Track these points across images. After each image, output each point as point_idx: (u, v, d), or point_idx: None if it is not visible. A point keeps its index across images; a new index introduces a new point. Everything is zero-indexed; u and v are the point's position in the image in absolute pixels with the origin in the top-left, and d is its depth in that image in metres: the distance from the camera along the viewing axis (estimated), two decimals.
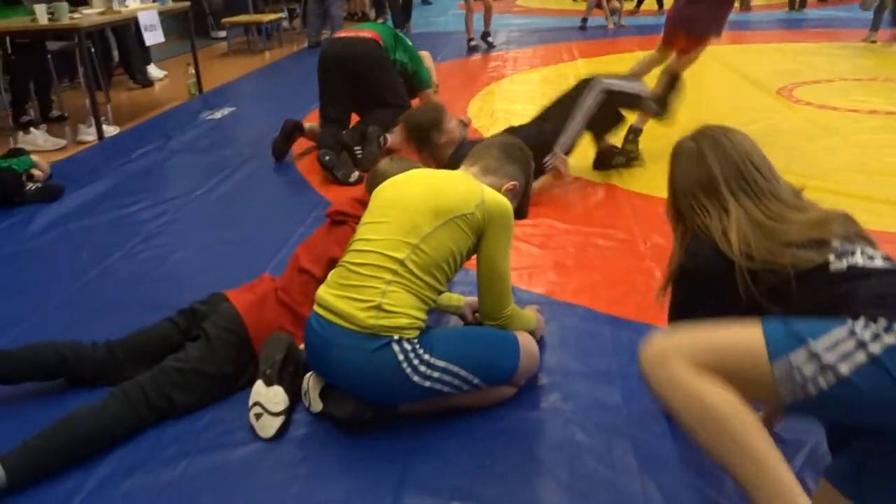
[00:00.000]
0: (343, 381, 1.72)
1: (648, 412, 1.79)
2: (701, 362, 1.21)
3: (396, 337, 1.66)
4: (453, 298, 2.18)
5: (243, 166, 3.87)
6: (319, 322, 1.72)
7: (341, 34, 3.89)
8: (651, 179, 3.38)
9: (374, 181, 2.15)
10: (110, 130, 4.60)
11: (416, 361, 1.67)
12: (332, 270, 1.78)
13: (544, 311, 2.22)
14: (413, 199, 1.76)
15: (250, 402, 1.80)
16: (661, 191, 3.07)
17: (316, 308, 1.75)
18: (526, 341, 1.85)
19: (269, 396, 1.79)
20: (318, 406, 1.80)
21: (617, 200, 3.22)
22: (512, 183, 1.92)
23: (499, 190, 1.89)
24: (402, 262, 1.68)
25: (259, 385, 1.82)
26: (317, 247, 2.12)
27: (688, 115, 4.40)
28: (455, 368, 1.72)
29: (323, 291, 1.75)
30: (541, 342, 2.08)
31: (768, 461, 1.18)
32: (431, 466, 1.65)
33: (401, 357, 1.66)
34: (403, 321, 1.66)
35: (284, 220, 3.08)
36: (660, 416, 1.78)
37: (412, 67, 3.87)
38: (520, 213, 2.01)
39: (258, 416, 1.78)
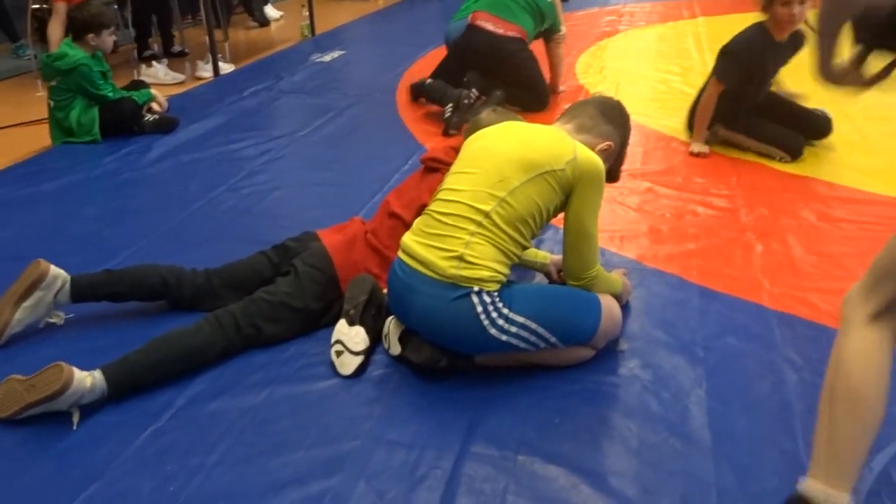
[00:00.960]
0: (422, 327, 1.75)
1: (730, 386, 1.74)
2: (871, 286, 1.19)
3: (476, 289, 1.66)
4: (539, 255, 2.16)
5: (347, 110, 3.93)
6: (403, 268, 1.74)
7: (482, 23, 3.67)
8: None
9: (473, 130, 2.14)
10: (226, 68, 4.75)
11: (494, 314, 1.68)
12: (418, 218, 1.80)
13: (632, 277, 2.18)
14: (503, 151, 1.74)
15: (332, 340, 1.86)
16: (769, 160, 2.97)
17: (400, 254, 1.77)
18: (609, 304, 1.82)
19: (350, 335, 1.84)
20: (396, 349, 1.84)
21: (721, 167, 3.08)
22: (606, 143, 1.87)
23: (592, 149, 1.84)
24: (487, 214, 1.68)
25: (342, 324, 1.87)
26: (408, 192, 2.14)
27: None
28: (533, 325, 1.71)
29: (408, 238, 1.77)
30: (625, 307, 2.05)
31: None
32: (501, 418, 1.66)
33: (479, 309, 1.67)
34: (484, 273, 1.66)
35: (382, 165, 3.12)
36: (741, 393, 1.72)
37: (549, 22, 3.84)
38: (612, 175, 1.96)
39: (339, 353, 1.84)
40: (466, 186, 1.73)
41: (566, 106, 2.02)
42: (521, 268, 2.16)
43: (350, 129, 3.66)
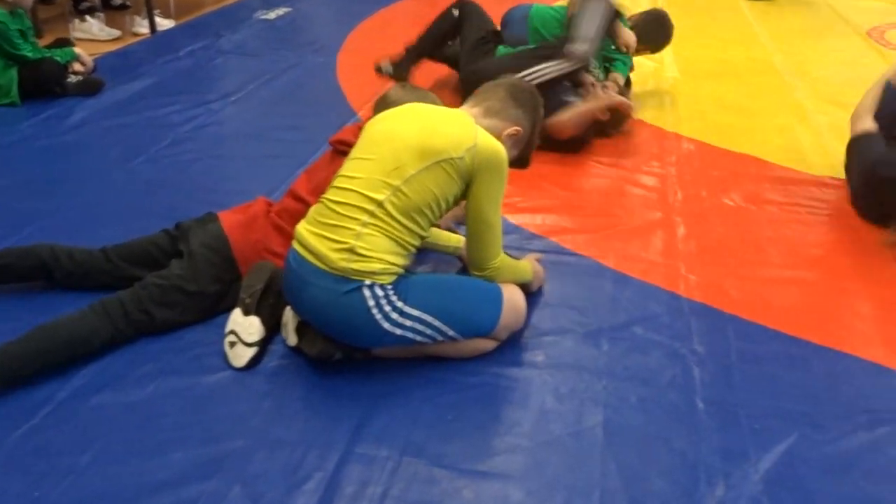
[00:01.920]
0: (314, 320, 1.70)
1: (631, 380, 1.72)
2: None
3: (368, 282, 1.61)
4: (452, 239, 2.10)
5: (285, 73, 3.80)
6: (296, 258, 1.68)
7: None
8: (709, 124, 3.18)
9: (380, 108, 2.06)
10: (164, 24, 4.56)
11: (387, 308, 1.63)
12: (313, 206, 1.72)
13: (547, 261, 2.14)
14: (402, 136, 1.67)
15: (226, 329, 1.80)
16: (719, 138, 2.90)
17: (294, 243, 1.70)
18: (512, 295, 1.78)
19: (244, 326, 1.78)
20: (293, 340, 1.78)
21: (664, 143, 3.03)
22: (514, 128, 1.80)
23: (500, 134, 1.78)
24: (380, 204, 1.61)
25: (237, 313, 1.81)
26: (317, 175, 2.06)
27: (761, 53, 4.12)
28: (429, 318, 1.67)
29: (301, 227, 1.70)
30: (537, 293, 2.01)
31: None
32: (392, 415, 1.62)
33: (371, 303, 1.61)
34: (376, 266, 1.60)
35: (312, 134, 3.01)
36: (640, 387, 1.70)
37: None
38: (521, 161, 1.91)
39: (232, 344, 1.78)
40: (361, 173, 1.66)
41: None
42: (433, 251, 2.09)
43: (284, 94, 3.54)
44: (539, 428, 1.60)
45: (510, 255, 1.93)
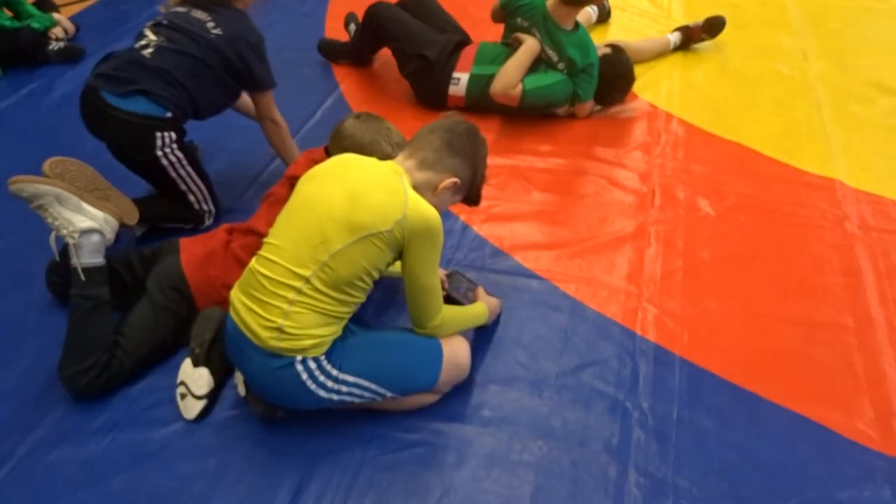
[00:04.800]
0: (253, 387, 1.74)
1: (566, 440, 1.74)
2: None
3: (300, 357, 1.63)
4: None
5: (272, 27, 3.63)
6: (232, 325, 1.70)
7: None
8: (704, 99, 3.02)
9: (335, 141, 2.02)
10: None
11: (321, 378, 1.66)
12: (244, 272, 1.73)
13: (507, 286, 2.14)
14: (327, 206, 1.64)
15: (177, 380, 1.86)
16: (712, 118, 2.75)
17: (230, 309, 1.72)
18: (453, 350, 1.79)
19: (193, 378, 1.84)
20: (242, 391, 1.83)
21: (654, 125, 2.91)
22: (451, 180, 1.75)
23: (436, 187, 1.73)
24: (307, 280, 1.60)
25: (187, 364, 1.86)
26: (276, 209, 2.04)
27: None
28: (366, 383, 1.70)
29: (235, 295, 1.71)
30: (491, 328, 2.03)
31: None
32: (329, 480, 1.68)
33: (304, 376, 1.64)
34: (306, 343, 1.62)
35: (294, 111, 2.91)
36: (573, 448, 1.72)
37: None
38: (471, 201, 1.87)
39: (183, 395, 1.84)
40: (288, 244, 1.64)
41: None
42: (393, 278, 2.08)
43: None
44: (469, 499, 1.64)
45: (464, 290, 1.96)
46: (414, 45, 2.93)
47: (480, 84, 2.88)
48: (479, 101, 2.88)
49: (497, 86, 2.78)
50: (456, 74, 2.90)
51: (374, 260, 1.63)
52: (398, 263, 1.71)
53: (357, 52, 3.25)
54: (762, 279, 2.18)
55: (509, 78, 2.78)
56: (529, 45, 2.81)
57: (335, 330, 1.67)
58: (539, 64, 2.84)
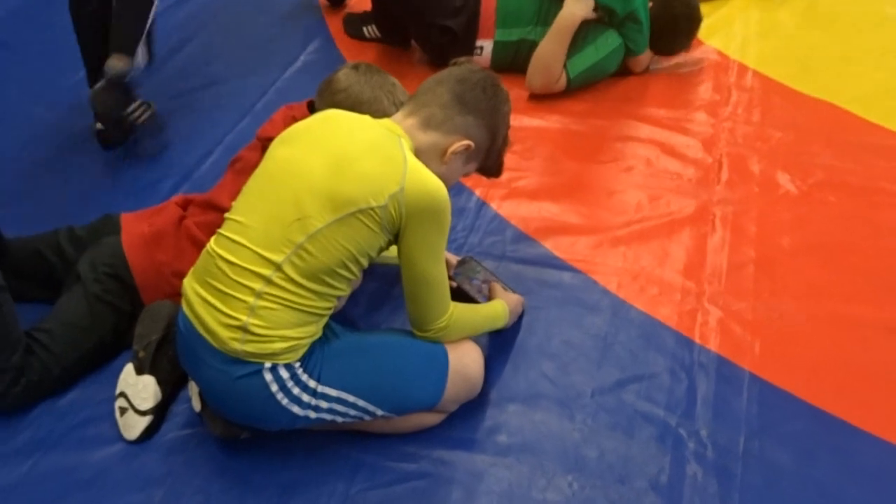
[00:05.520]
0: (211, 402, 1.73)
1: (606, 474, 1.72)
2: None
3: (268, 364, 1.62)
4: None
5: None
6: (185, 323, 1.69)
7: None
8: (785, 46, 2.97)
9: (326, 96, 2.01)
10: None
11: (295, 390, 1.65)
12: (201, 256, 1.72)
13: (533, 280, 2.14)
14: (306, 174, 1.62)
15: (116, 391, 1.86)
16: (796, 71, 2.72)
17: (183, 302, 1.71)
18: (461, 359, 1.77)
19: (136, 389, 1.84)
20: (197, 406, 1.82)
21: (722, 79, 2.90)
22: (463, 144, 1.72)
23: (444, 152, 1.72)
24: (278, 267, 1.59)
25: (128, 371, 1.86)
26: (245, 177, 2.03)
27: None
28: (351, 398, 1.68)
29: (189, 284, 1.70)
30: (511, 330, 2.02)
31: None
32: None
33: (274, 388, 1.63)
34: (277, 346, 1.61)
35: (270, 61, 2.94)
36: (615, 485, 1.70)
37: None
38: (489, 171, 1.87)
39: (123, 410, 1.84)
40: (255, 221, 1.62)
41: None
42: (384, 266, 2.07)
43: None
44: None
45: (478, 283, 1.95)
46: (433, 11, 2.86)
47: (508, 52, 2.87)
48: (510, 68, 2.86)
49: (534, 81, 2.78)
50: (478, 42, 2.88)
51: (364, 243, 1.62)
52: (394, 248, 1.69)
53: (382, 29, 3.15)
54: (855, 276, 2.15)
55: (548, 69, 2.76)
56: (565, 18, 2.75)
57: (314, 330, 1.66)
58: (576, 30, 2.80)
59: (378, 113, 1.86)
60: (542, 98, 2.80)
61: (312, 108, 2.05)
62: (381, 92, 1.97)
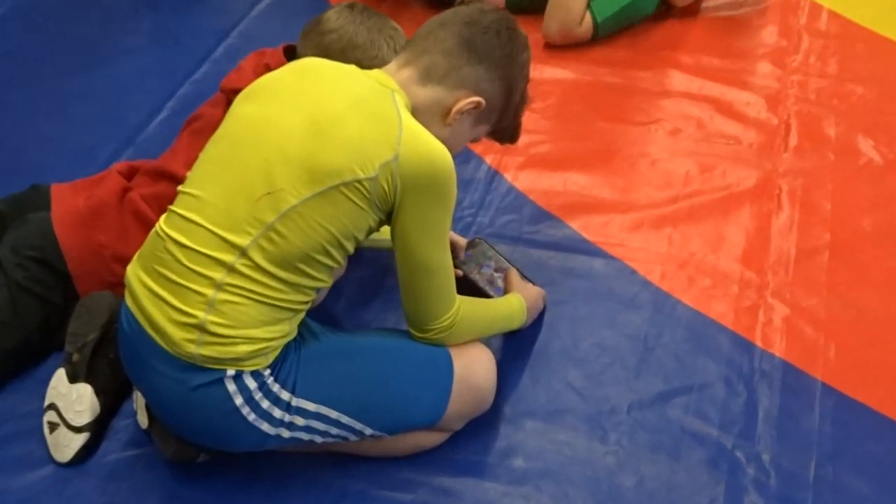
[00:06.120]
0: (162, 417, 1.71)
1: (655, 502, 1.70)
2: None
3: (232, 371, 1.60)
4: None
5: None
6: (129, 320, 1.67)
7: None
8: None
9: (311, 39, 2.02)
10: None
11: (264, 404, 1.63)
12: (149, 237, 1.70)
13: (556, 268, 2.14)
14: (279, 136, 1.60)
15: (46, 402, 1.84)
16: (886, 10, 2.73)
17: (126, 294, 1.70)
18: (470, 366, 1.76)
19: (70, 400, 1.83)
20: (144, 421, 1.81)
21: (790, 21, 2.89)
22: (472, 100, 1.70)
23: (448, 111, 1.70)
24: (243, 252, 1.57)
25: (60, 378, 1.85)
26: (203, 139, 2.02)
27: None
28: (334, 414, 1.67)
29: (133, 272, 1.67)
30: (531, 329, 2.02)
31: None
32: None
33: (238, 400, 1.62)
34: (242, 349, 1.59)
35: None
36: None
37: None
38: (504, 135, 1.87)
39: (53, 427, 1.83)
40: (216, 196, 1.60)
41: None
42: (373, 249, 2.06)
43: None
44: None
45: (490, 272, 1.95)
46: None
47: None
48: (529, 8, 2.88)
49: (551, 27, 2.79)
50: None
51: (349, 223, 1.60)
52: (386, 230, 1.67)
53: None
54: None
55: (568, 11, 2.76)
56: None
57: (287, 330, 1.64)
58: None
59: (374, 62, 1.85)
60: (568, 45, 2.78)
61: (291, 56, 2.02)
62: (379, 36, 1.97)
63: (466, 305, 1.74)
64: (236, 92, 1.81)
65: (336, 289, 1.93)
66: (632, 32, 2.85)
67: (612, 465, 1.79)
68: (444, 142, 1.63)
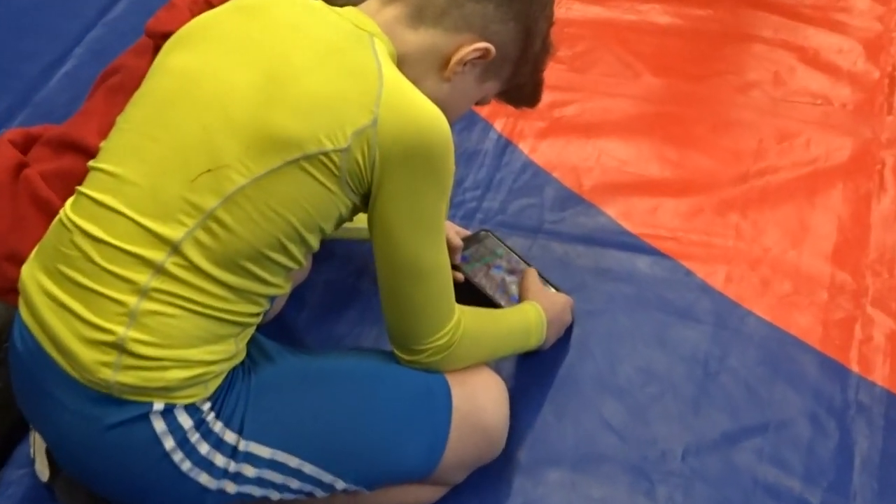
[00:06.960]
0: (66, 464, 1.73)
1: None
2: None
3: (159, 405, 1.60)
4: None
5: None
6: (25, 338, 1.67)
7: None
8: None
9: None
10: None
11: (203, 448, 1.63)
12: (51, 228, 1.70)
13: (588, 270, 2.15)
14: (225, 96, 1.60)
15: None
16: None
17: (21, 304, 1.70)
18: (475, 398, 1.78)
19: None
20: (44, 473, 1.84)
21: None
22: (477, 46, 1.71)
23: (446, 62, 1.71)
24: (175, 248, 1.56)
25: None
26: (123, 98, 2.04)
27: None
28: (294, 461, 1.67)
29: (31, 274, 1.68)
30: (555, 354, 2.05)
31: None
32: None
33: (169, 443, 1.61)
34: (173, 375, 1.58)
35: None
36: None
37: None
38: (519, 94, 1.90)
39: None
40: (141, 173, 1.60)
41: None
42: (349, 241, 2.09)
43: None
44: None
45: (501, 274, 1.97)
46: None
47: None
48: None
49: None
50: None
51: (313, 210, 1.60)
52: (363, 217, 1.68)
53: None
54: None
55: None
56: None
57: (232, 350, 1.64)
58: None
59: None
60: None
61: None
62: None
63: (469, 319, 1.75)
64: (167, 36, 1.83)
65: (296, 296, 1.94)
66: None
67: None
68: (439, 102, 1.64)
